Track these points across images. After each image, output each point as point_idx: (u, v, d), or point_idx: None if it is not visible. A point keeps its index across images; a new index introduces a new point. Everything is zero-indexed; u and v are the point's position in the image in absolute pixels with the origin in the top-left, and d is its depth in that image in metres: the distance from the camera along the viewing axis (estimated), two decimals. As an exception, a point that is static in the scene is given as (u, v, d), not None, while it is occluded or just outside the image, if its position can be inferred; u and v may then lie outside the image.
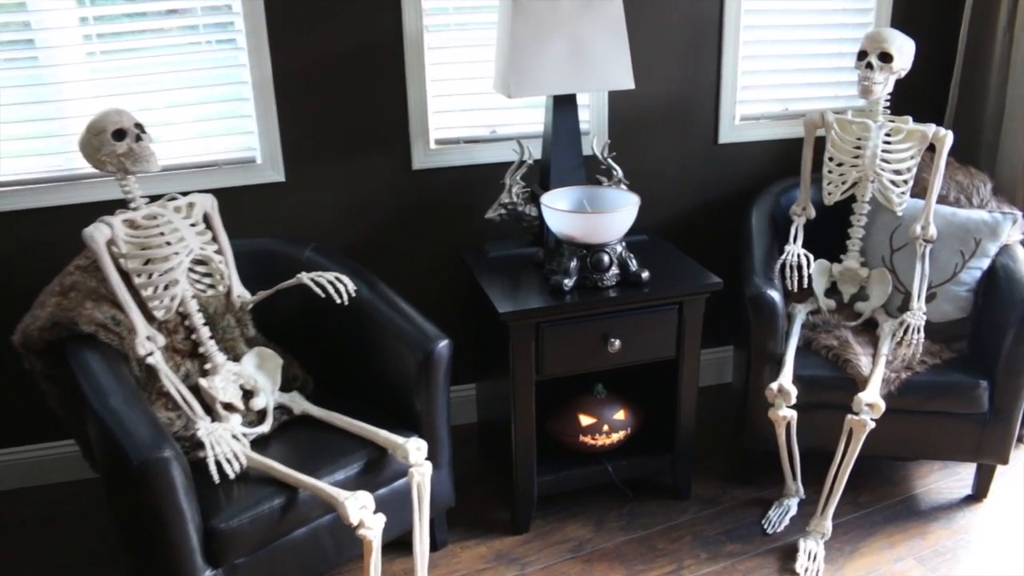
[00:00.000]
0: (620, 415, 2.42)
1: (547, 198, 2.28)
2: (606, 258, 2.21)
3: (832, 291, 2.58)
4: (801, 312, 2.51)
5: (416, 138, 2.58)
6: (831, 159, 2.51)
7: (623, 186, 2.49)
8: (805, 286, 2.45)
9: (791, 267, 2.43)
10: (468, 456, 2.74)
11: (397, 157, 2.60)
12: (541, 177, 2.50)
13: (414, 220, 2.67)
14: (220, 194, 2.31)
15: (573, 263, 2.21)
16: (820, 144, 2.55)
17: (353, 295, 2.15)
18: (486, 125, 2.66)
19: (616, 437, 2.42)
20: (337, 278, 2.15)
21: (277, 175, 2.52)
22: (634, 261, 2.24)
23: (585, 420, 2.40)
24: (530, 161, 2.43)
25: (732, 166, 2.87)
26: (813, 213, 2.59)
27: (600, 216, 2.17)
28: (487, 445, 2.67)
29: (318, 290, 2.13)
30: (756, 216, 2.66)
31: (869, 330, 2.49)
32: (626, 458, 2.45)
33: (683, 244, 2.90)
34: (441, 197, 2.67)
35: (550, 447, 2.46)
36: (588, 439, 2.40)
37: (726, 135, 2.82)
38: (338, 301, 2.14)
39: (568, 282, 2.20)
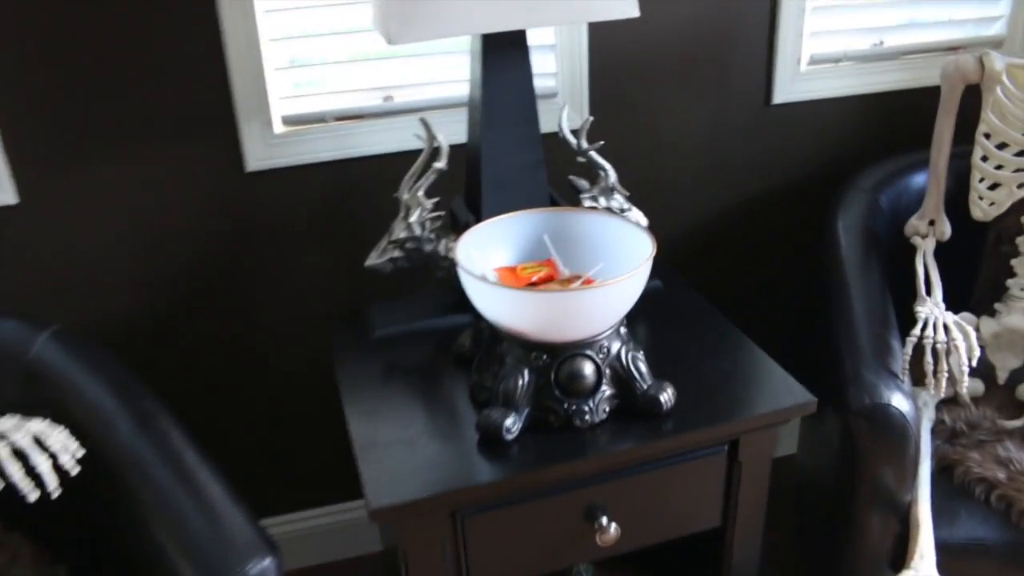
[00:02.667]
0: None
1: (469, 245, 1.16)
2: (589, 369, 1.10)
3: (978, 364, 1.48)
4: (928, 404, 1.42)
5: (248, 116, 1.44)
6: (989, 136, 1.39)
7: (618, 199, 1.37)
8: (965, 392, 1.35)
9: (934, 354, 1.32)
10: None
11: (218, 152, 1.46)
12: (467, 188, 1.37)
13: (246, 267, 1.55)
14: None
15: (522, 381, 1.10)
16: (967, 110, 1.42)
17: (73, 472, 1.05)
18: (376, 88, 1.51)
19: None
20: (46, 448, 1.05)
21: (3, 195, 1.39)
22: (643, 366, 1.13)
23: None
24: (442, 164, 1.29)
25: (795, 141, 1.74)
26: (948, 231, 1.48)
27: (579, 296, 1.05)
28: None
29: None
30: (844, 233, 1.54)
31: (1059, 444, 1.41)
32: None
33: (721, 287, 1.79)
34: (296, 221, 1.54)
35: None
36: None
37: (785, 90, 1.68)
38: (32, 499, 1.03)
39: (512, 423, 1.09)
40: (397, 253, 1.33)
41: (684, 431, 1.11)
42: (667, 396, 1.12)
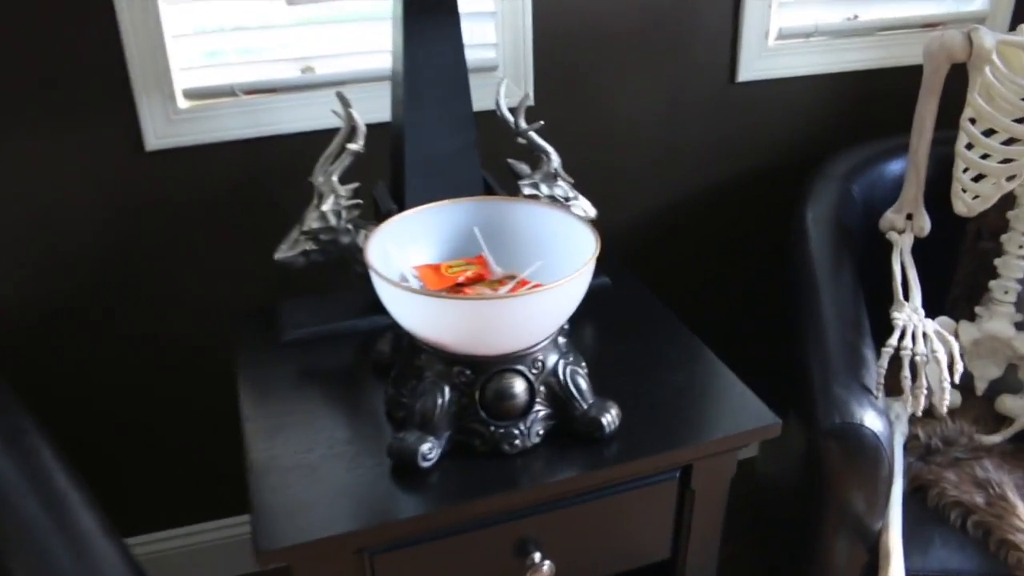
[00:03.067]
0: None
1: (385, 239, 1.00)
2: (520, 387, 0.94)
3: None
4: (901, 418, 1.28)
5: (146, 89, 1.26)
6: (975, 121, 1.25)
7: (562, 186, 1.21)
8: (945, 410, 1.21)
9: (912, 367, 1.19)
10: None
11: (114, 129, 1.29)
12: (391, 173, 1.21)
13: (146, 257, 1.38)
14: None
15: (441, 400, 0.94)
16: (950, 92, 1.28)
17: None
18: (292, 59, 1.34)
19: None
20: None
21: None
22: (583, 382, 0.98)
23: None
24: (358, 146, 1.13)
25: (762, 123, 1.59)
26: (927, 226, 1.34)
27: (509, 305, 0.89)
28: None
29: None
30: (814, 226, 1.40)
31: (1041, 461, 1.29)
32: None
33: (677, 286, 1.64)
34: (202, 206, 1.37)
35: None
36: None
37: (751, 66, 1.53)
38: None
39: (429, 449, 0.94)
40: (310, 245, 1.17)
41: (629, 458, 0.97)
42: (610, 418, 0.97)
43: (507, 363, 0.93)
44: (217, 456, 1.54)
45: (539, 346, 0.95)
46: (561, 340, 0.99)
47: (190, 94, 1.30)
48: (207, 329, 1.43)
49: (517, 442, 0.95)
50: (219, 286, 1.42)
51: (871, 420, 1.11)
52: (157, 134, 1.29)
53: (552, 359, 0.96)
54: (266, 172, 1.36)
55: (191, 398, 1.48)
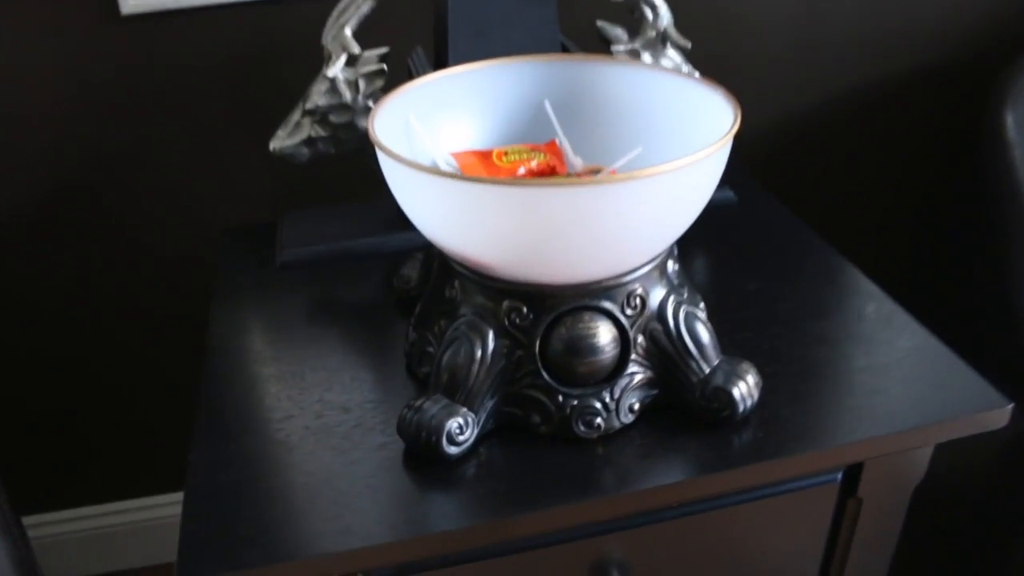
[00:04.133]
0: None
1: (407, 108, 0.65)
2: (606, 335, 0.60)
3: None
4: None
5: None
6: None
7: (672, 56, 0.85)
8: None
9: None
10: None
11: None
12: (434, 32, 0.86)
13: (119, 156, 1.06)
14: None
15: (480, 352, 0.60)
16: None
17: None
18: None
19: None
20: None
21: None
22: (704, 333, 0.62)
23: None
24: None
25: (935, 4, 1.19)
26: None
27: (598, 195, 0.53)
28: None
29: None
30: (1018, 134, 1.01)
31: None
32: None
33: (810, 210, 1.26)
34: (192, 88, 1.05)
35: None
36: None
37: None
38: None
39: (460, 429, 0.59)
40: (316, 130, 0.84)
41: (772, 452, 0.61)
42: (745, 388, 0.62)
43: (587, 297, 0.59)
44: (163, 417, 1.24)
45: (638, 273, 0.60)
46: (672, 266, 0.64)
47: (174, -66, 0.97)
48: (187, 247, 1.12)
49: (599, 420, 0.61)
50: (209, 194, 1.10)
51: None
52: (132, -7, 0.97)
53: (657, 295, 0.61)
54: (270, 45, 1.03)
55: (152, 344, 1.18)
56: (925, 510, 0.90)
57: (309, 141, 0.85)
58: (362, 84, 0.81)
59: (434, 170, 0.54)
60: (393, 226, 0.87)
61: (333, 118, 0.83)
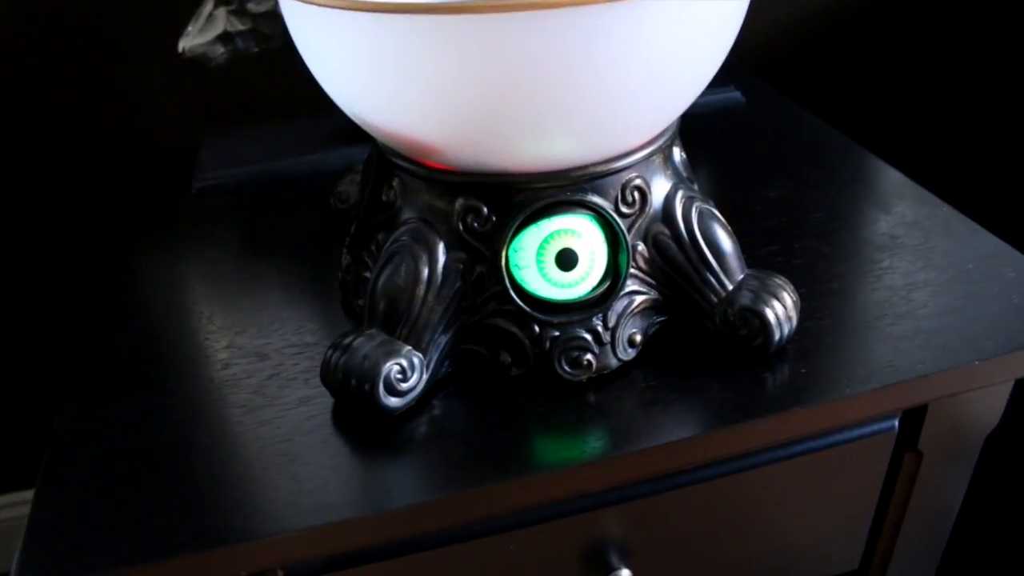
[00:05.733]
0: None
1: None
2: (594, 241, 0.44)
3: None
4: None
5: None
6: None
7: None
8: None
9: None
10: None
11: None
12: None
13: (28, 66, 0.89)
14: None
15: (427, 268, 0.44)
16: None
17: None
18: None
19: None
20: None
21: None
22: (725, 238, 0.47)
23: None
24: None
25: None
26: None
27: (586, 24, 0.37)
28: None
29: None
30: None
31: None
32: None
33: (824, 112, 1.11)
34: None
35: None
36: None
37: None
38: None
39: (403, 373, 0.44)
40: (234, 23, 0.68)
41: (814, 395, 0.46)
42: (781, 310, 0.47)
43: (567, 190, 0.43)
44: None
45: (635, 157, 0.44)
46: (678, 154, 0.48)
47: None
48: (99, 185, 0.95)
49: (589, 357, 0.46)
50: (128, 118, 0.93)
51: None
52: None
53: (662, 188, 0.46)
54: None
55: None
56: (996, 463, 0.76)
57: (225, 37, 0.69)
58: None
59: (355, 3, 0.38)
60: (334, 142, 0.71)
61: (252, 6, 0.67)
